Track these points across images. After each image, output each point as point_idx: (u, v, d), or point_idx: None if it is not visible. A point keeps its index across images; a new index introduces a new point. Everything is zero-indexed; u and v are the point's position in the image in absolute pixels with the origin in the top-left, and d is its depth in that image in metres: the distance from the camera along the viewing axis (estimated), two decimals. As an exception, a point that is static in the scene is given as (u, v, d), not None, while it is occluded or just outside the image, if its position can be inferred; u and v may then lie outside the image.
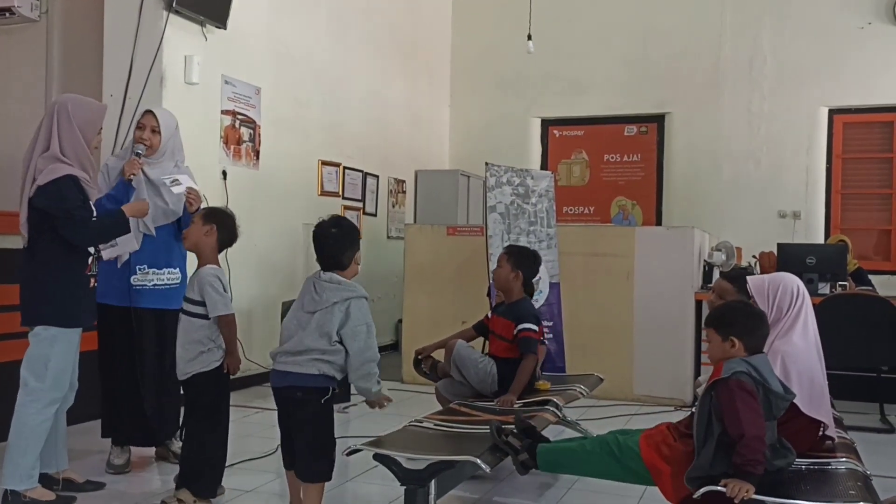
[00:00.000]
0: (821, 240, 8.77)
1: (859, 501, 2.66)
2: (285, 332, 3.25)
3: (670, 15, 9.43)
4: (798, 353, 3.19)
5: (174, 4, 5.70)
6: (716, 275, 6.46)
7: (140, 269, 4.06)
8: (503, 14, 9.73)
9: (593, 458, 3.14)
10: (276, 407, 3.31)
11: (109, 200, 3.93)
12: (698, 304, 6.33)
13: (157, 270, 4.09)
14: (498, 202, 5.80)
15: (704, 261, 6.83)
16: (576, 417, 5.18)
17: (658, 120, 9.64)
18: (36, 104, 6.33)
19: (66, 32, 6.46)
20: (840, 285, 6.38)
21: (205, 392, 3.48)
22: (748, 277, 3.49)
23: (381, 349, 9.78)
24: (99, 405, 4.20)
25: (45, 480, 3.60)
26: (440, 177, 9.51)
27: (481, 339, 4.61)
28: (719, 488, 2.66)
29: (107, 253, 3.95)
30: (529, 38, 8.59)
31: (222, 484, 3.65)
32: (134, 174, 4.01)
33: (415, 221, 9.25)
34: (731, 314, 2.97)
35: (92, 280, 3.66)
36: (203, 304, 3.44)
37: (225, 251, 3.71)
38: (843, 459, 3.11)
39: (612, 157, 9.87)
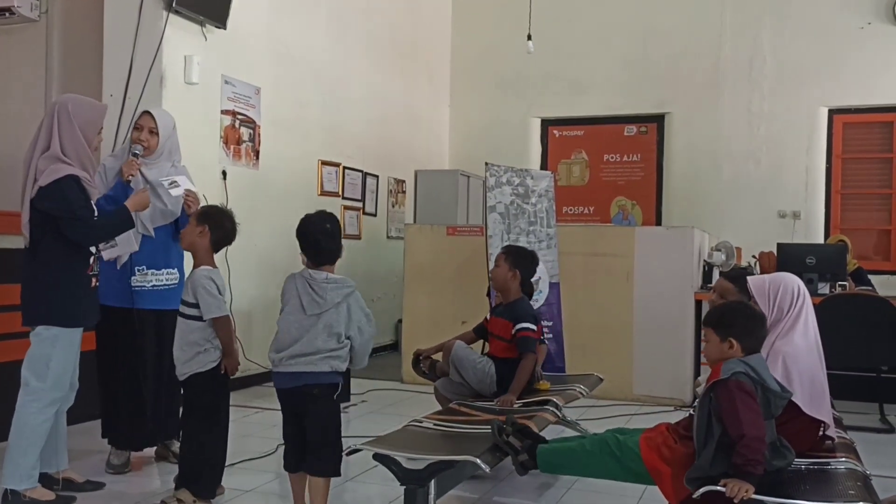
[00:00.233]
0: (820, 240, 8.77)
1: (859, 501, 2.66)
2: (287, 336, 3.22)
3: (670, 15, 9.43)
4: (799, 354, 3.19)
5: (174, 4, 5.70)
6: (715, 275, 6.46)
7: (139, 270, 4.06)
8: (503, 14, 9.73)
9: (593, 459, 3.14)
10: (278, 408, 3.32)
11: (108, 201, 3.92)
12: (698, 304, 6.33)
13: (155, 271, 4.09)
14: (498, 202, 5.80)
15: (704, 261, 6.83)
16: (576, 417, 5.19)
17: (658, 120, 9.65)
18: (36, 104, 6.33)
19: (66, 32, 6.45)
20: (840, 285, 6.38)
21: (203, 392, 3.48)
22: (749, 277, 3.49)
23: (381, 349, 9.79)
24: (99, 405, 4.20)
25: (45, 480, 3.61)
26: (440, 177, 9.51)
27: (480, 340, 4.61)
28: (719, 488, 2.66)
29: (106, 254, 3.95)
30: (529, 38, 8.60)
31: (222, 484, 3.65)
32: (133, 175, 4.01)
33: (415, 221, 9.25)
34: (731, 315, 2.97)
35: (94, 279, 3.66)
36: (198, 305, 3.44)
37: (225, 251, 3.70)
38: (843, 459, 3.11)
39: (612, 157, 9.88)
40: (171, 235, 4.14)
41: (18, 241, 3.62)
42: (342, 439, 3.30)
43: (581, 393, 4.56)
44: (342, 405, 5.51)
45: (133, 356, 4.06)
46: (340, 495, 3.83)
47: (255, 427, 5.14)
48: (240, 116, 6.54)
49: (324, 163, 7.75)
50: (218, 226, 3.57)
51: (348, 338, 3.23)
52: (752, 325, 2.93)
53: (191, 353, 3.45)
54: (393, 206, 9.17)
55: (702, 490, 2.72)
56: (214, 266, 3.57)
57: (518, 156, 9.49)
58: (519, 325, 4.20)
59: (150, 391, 4.08)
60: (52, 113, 3.54)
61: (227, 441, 3.61)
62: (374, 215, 8.74)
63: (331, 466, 3.23)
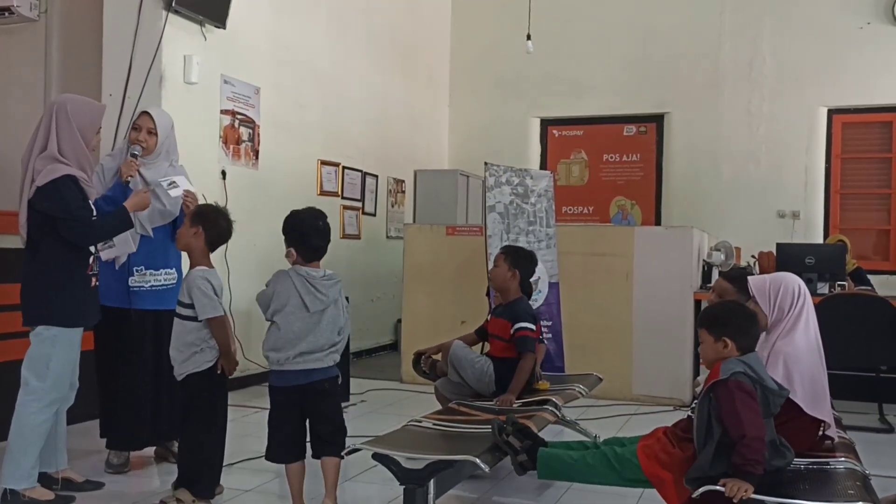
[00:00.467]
0: (820, 240, 8.77)
1: (858, 501, 2.65)
2: (290, 335, 3.25)
3: (670, 15, 9.43)
4: (800, 354, 3.19)
5: (173, 4, 5.70)
6: (715, 275, 6.46)
7: (137, 271, 4.06)
8: (503, 14, 9.73)
9: (594, 471, 3.10)
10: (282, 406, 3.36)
11: (106, 202, 3.92)
12: (697, 303, 6.33)
13: (153, 271, 4.09)
14: (497, 202, 5.80)
15: (703, 261, 6.83)
16: (575, 417, 5.18)
17: (657, 120, 9.65)
18: (36, 104, 6.32)
19: (66, 32, 6.45)
20: (839, 285, 6.38)
21: (200, 392, 3.48)
22: (749, 277, 3.49)
23: (381, 349, 9.77)
24: (99, 405, 4.20)
25: (45, 480, 3.61)
26: (439, 177, 9.51)
27: (482, 342, 4.61)
28: (718, 488, 2.66)
29: (104, 254, 3.94)
30: (529, 38, 8.60)
31: (221, 483, 3.65)
32: (131, 176, 4.01)
33: (414, 221, 9.25)
34: (726, 315, 2.97)
35: (94, 279, 3.66)
36: (193, 306, 3.44)
37: (224, 250, 3.70)
38: (843, 459, 3.11)
39: (612, 157, 9.88)
40: (169, 236, 4.12)
41: (18, 241, 3.62)
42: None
43: (580, 393, 4.55)
44: (342, 405, 5.56)
45: (131, 356, 4.06)
46: (340, 495, 3.81)
47: (255, 427, 5.13)
48: (239, 116, 6.54)
49: (323, 163, 7.75)
50: (212, 225, 3.57)
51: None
52: (746, 325, 2.93)
53: (187, 354, 3.45)
54: (392, 206, 9.17)
55: (701, 490, 2.72)
56: (211, 266, 3.56)
57: (517, 156, 9.49)
58: (517, 325, 4.19)
59: (148, 391, 4.07)
60: (50, 113, 3.54)
61: (226, 440, 3.61)
62: (374, 215, 8.74)
63: (343, 444, 3.40)
